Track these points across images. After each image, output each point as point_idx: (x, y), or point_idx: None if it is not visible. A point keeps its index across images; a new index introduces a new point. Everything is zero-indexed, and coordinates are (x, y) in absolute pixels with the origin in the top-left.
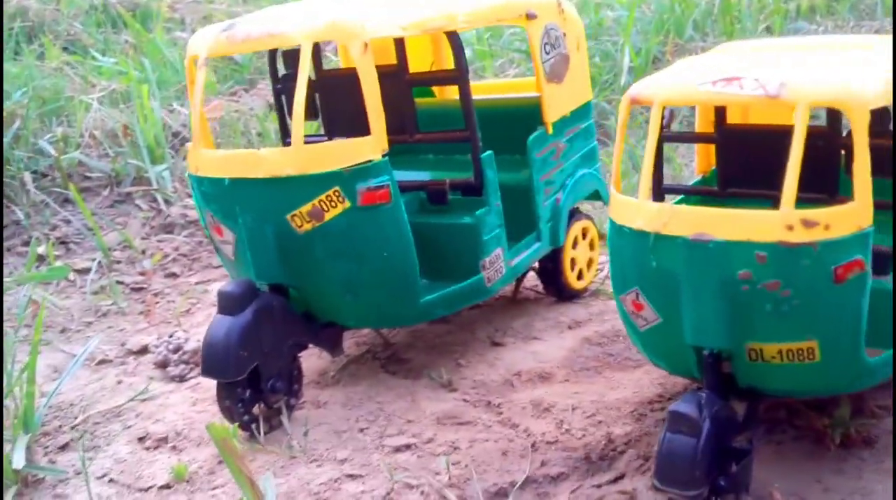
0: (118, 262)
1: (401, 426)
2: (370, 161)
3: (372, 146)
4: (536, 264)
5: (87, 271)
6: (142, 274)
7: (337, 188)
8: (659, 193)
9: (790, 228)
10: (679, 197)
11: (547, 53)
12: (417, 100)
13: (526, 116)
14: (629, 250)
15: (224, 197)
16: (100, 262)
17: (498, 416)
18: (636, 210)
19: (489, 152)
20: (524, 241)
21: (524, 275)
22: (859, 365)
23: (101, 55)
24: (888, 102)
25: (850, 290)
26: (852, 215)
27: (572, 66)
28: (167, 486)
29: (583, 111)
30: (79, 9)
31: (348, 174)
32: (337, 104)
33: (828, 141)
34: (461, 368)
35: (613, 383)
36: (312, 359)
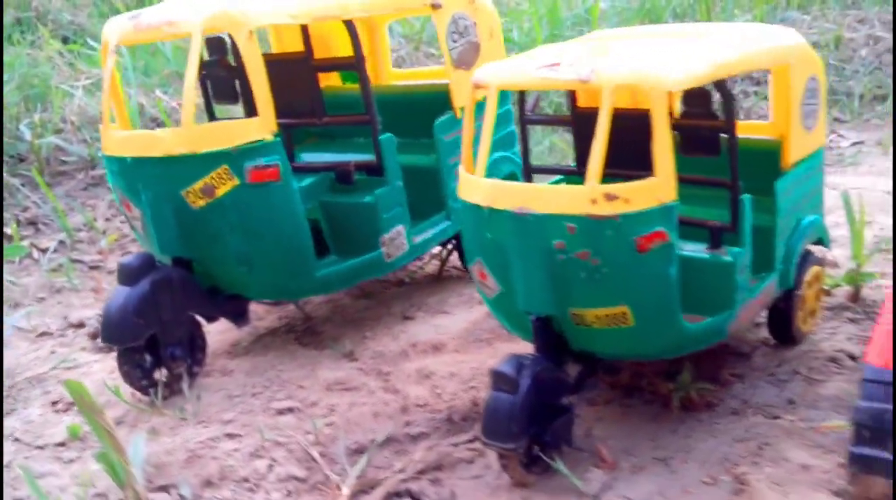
0: (80, 242)
1: (291, 392)
2: (258, 141)
3: (259, 127)
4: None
5: (51, 250)
6: (99, 253)
7: (225, 166)
8: (527, 173)
9: (594, 201)
10: (557, 177)
11: (454, 41)
12: (346, 86)
13: (440, 101)
14: (471, 222)
15: (128, 175)
16: (63, 241)
17: (384, 383)
18: (475, 187)
19: (389, 135)
20: (430, 220)
21: (449, 254)
22: (676, 330)
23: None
24: (691, 85)
25: (653, 259)
26: (653, 190)
27: (483, 53)
28: (62, 444)
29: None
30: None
31: (236, 153)
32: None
33: (643, 122)
34: (366, 340)
35: (498, 353)
36: (231, 331)
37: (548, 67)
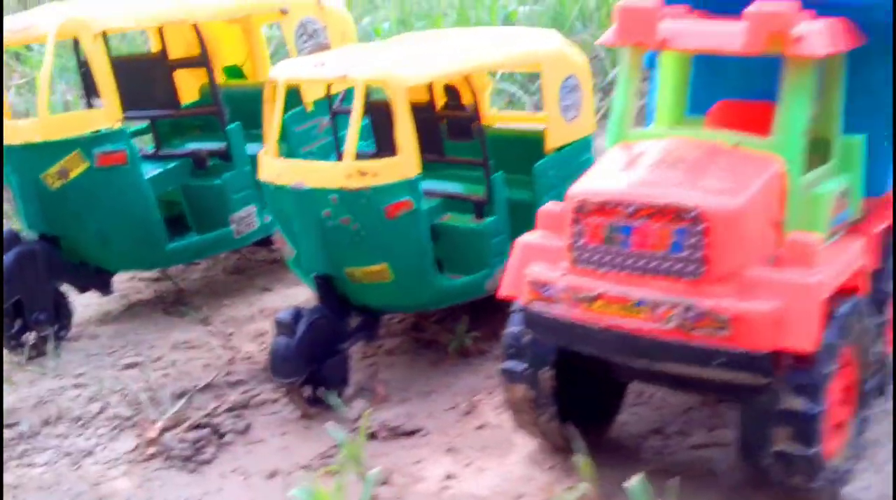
0: None
1: (141, 350)
2: (105, 129)
3: (107, 117)
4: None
5: None
6: None
7: (77, 151)
8: (339, 156)
9: (349, 176)
10: None
11: (304, 43)
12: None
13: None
14: (269, 197)
15: (3, 160)
16: None
17: (226, 342)
18: (268, 167)
19: (236, 123)
20: None
21: None
22: (433, 285)
23: None
24: (427, 82)
25: (402, 224)
26: (397, 167)
27: None
28: None
29: (351, 93)
30: None
31: (85, 140)
32: (134, 84)
33: (429, 113)
34: (224, 307)
35: None
36: (108, 302)
37: (317, 66)
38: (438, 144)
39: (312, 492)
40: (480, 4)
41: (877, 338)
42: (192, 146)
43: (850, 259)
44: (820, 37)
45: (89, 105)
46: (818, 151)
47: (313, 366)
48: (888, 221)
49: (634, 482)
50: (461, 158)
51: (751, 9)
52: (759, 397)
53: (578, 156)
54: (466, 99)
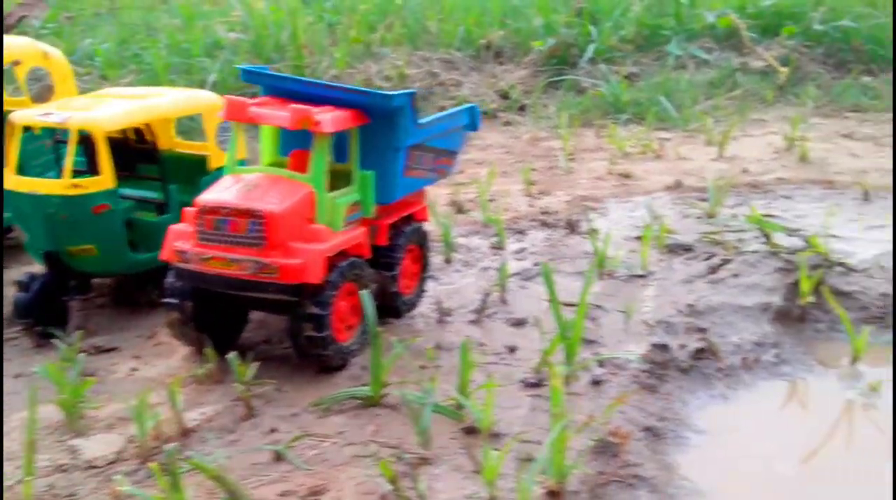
0: None
1: None
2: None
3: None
4: None
5: None
6: None
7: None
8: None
9: (67, 187)
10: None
11: (31, 85)
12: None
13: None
14: (12, 201)
15: None
16: None
17: None
18: (13, 180)
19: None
20: None
21: None
22: (127, 258)
23: None
24: (117, 128)
25: (104, 219)
26: (99, 182)
27: (57, 93)
28: None
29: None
30: None
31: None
32: None
33: (125, 145)
34: None
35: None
36: None
37: (44, 115)
38: (132, 165)
39: (48, 370)
40: (190, 31)
41: (392, 283)
42: None
43: (351, 238)
44: (330, 121)
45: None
46: (348, 180)
47: (44, 312)
48: (395, 218)
49: (231, 355)
50: (148, 175)
51: (293, 105)
52: (297, 308)
53: None
54: (150, 135)
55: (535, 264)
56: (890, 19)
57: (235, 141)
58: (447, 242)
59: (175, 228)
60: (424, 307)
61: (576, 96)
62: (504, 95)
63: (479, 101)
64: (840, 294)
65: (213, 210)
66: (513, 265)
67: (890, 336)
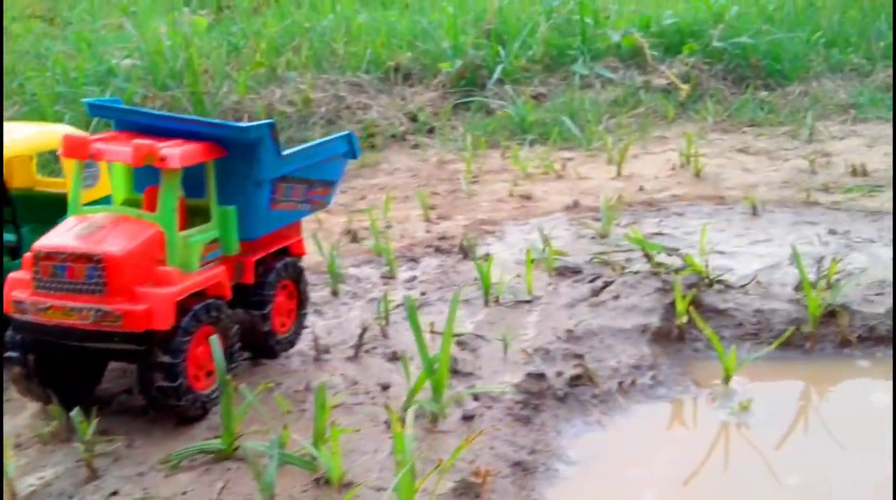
0: None
1: None
2: None
3: None
4: None
5: None
6: None
7: None
8: None
9: None
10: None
11: None
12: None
13: None
14: None
15: None
16: None
17: None
18: None
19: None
20: None
21: None
22: None
23: None
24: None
25: None
26: None
27: None
28: None
29: None
30: None
31: None
32: None
33: None
34: None
35: None
36: None
37: None
38: None
39: None
40: (82, 58)
41: (263, 322)
42: None
43: (207, 278)
44: (178, 156)
45: None
46: (206, 216)
47: None
48: (263, 253)
49: (74, 413)
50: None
51: (136, 141)
52: (146, 357)
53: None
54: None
55: (423, 294)
56: (786, 35)
57: (78, 179)
58: (333, 274)
59: (13, 276)
60: (304, 344)
61: (484, 118)
62: (413, 118)
63: (387, 123)
64: (715, 312)
65: (49, 256)
66: (400, 295)
67: (763, 352)
